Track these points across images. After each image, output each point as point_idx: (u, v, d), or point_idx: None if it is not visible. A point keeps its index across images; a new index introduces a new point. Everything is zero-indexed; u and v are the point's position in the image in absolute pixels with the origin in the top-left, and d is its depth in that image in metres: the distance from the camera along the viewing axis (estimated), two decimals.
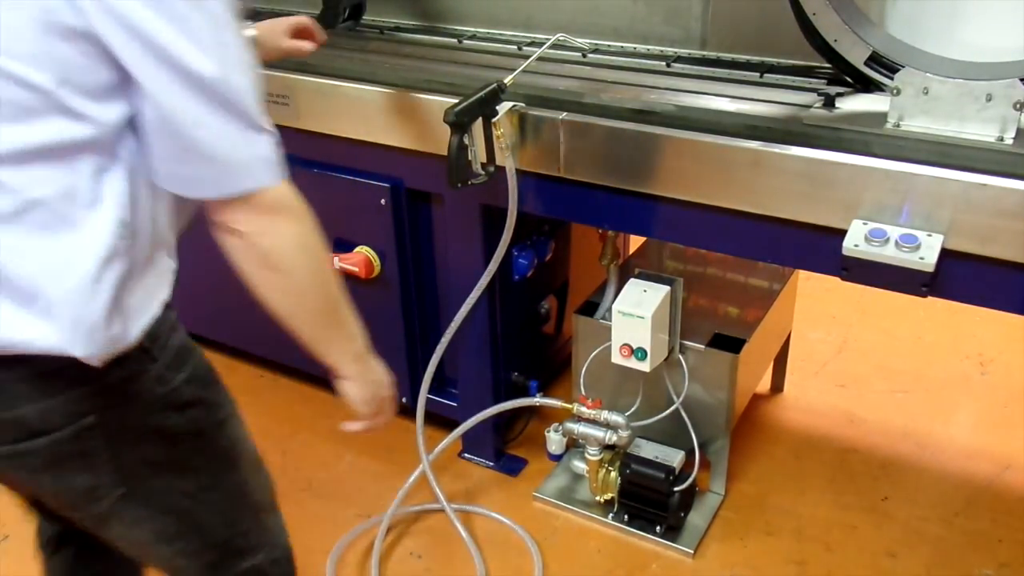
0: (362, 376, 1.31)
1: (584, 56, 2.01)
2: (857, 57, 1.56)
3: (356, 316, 1.25)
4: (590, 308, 2.16)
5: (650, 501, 2.06)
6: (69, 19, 0.95)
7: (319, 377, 2.55)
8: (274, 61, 1.74)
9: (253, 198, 1.04)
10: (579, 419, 2.06)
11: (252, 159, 1.04)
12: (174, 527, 1.28)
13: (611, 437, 2.02)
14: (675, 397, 2.05)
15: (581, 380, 2.15)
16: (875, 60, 1.55)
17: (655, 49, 2.03)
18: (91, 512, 1.24)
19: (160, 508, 1.25)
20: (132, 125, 1.03)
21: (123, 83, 1.00)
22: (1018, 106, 1.40)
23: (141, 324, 1.11)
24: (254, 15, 2.64)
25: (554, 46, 1.86)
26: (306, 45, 1.74)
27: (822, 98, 1.65)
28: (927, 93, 1.46)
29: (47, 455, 1.13)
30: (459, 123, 1.68)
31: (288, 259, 1.09)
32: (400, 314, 2.20)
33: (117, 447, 1.17)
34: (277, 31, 1.70)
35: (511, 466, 2.35)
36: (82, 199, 1.01)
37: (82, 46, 0.96)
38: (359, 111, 1.96)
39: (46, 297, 1.01)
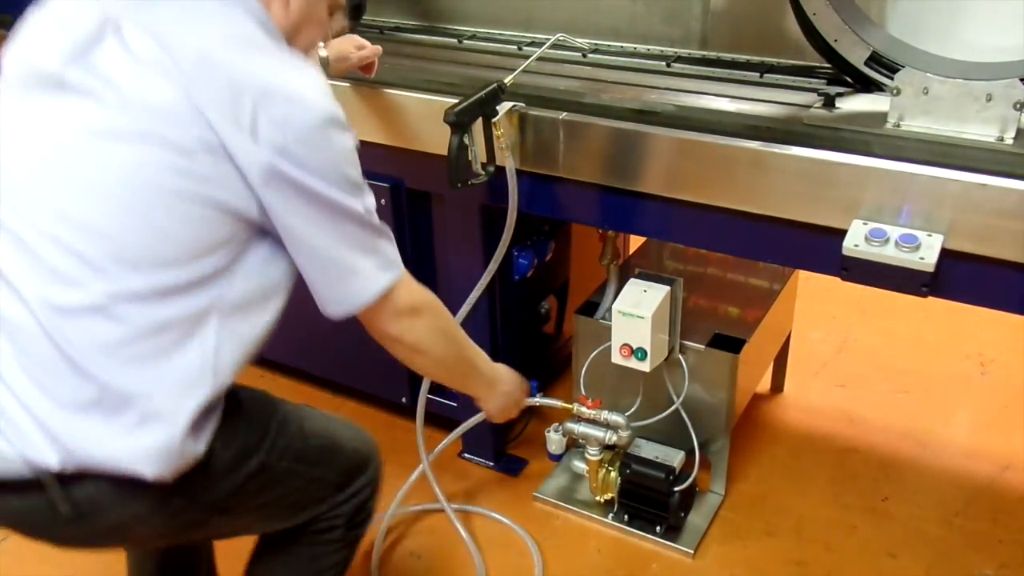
0: (492, 396, 1.65)
1: (584, 56, 2.01)
2: (857, 57, 1.56)
3: (481, 354, 1.57)
4: (590, 308, 2.16)
5: (650, 501, 2.06)
6: (233, 201, 1.15)
7: (319, 377, 2.55)
8: (345, 74, 1.88)
9: (391, 302, 1.30)
10: (579, 419, 2.05)
11: (385, 262, 1.28)
12: (285, 511, 1.42)
13: (611, 437, 2.02)
14: (675, 397, 2.05)
15: (581, 380, 2.15)
16: (875, 60, 1.55)
17: (655, 49, 2.03)
18: (195, 537, 1.43)
19: (269, 509, 1.40)
20: (227, 271, 1.19)
21: (231, 239, 1.18)
22: (1018, 106, 1.40)
23: (206, 438, 1.22)
24: None
25: (554, 46, 1.86)
26: (369, 51, 1.85)
27: (822, 98, 1.64)
28: (927, 93, 1.46)
29: (150, 537, 1.27)
30: (459, 123, 1.68)
31: (429, 345, 1.40)
32: None
33: (215, 505, 1.30)
34: (346, 48, 1.83)
35: (511, 466, 2.35)
36: (174, 334, 1.15)
37: (220, 213, 1.15)
38: (359, 111, 1.96)
39: (135, 415, 1.13)
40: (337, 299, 1.26)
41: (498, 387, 1.64)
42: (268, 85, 1.12)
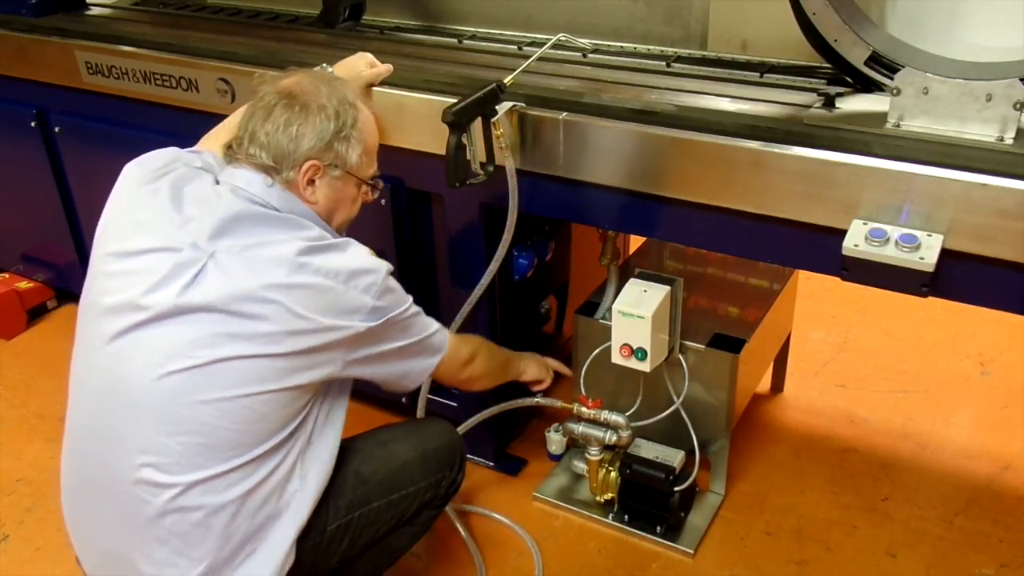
0: (523, 376, 2.01)
1: (584, 56, 2.01)
2: (857, 57, 1.56)
3: (512, 358, 1.95)
4: (590, 308, 2.16)
5: (650, 501, 2.06)
6: (319, 375, 1.41)
7: None
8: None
9: (455, 360, 1.67)
10: (579, 419, 2.06)
11: (439, 339, 1.60)
12: (386, 531, 1.63)
13: (611, 437, 2.02)
14: (675, 397, 2.05)
15: (581, 380, 2.15)
16: (875, 60, 1.55)
17: (655, 49, 2.03)
18: None
19: (374, 542, 1.62)
20: (306, 419, 1.44)
21: (312, 398, 1.44)
22: (1018, 106, 1.40)
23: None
24: (254, 15, 2.64)
25: (555, 46, 1.86)
26: (382, 69, 1.90)
27: (822, 98, 1.65)
28: (927, 93, 1.46)
29: None
30: (457, 123, 1.68)
31: (478, 379, 1.80)
32: None
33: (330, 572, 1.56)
34: (357, 67, 1.88)
35: (511, 466, 2.35)
36: (275, 480, 1.41)
37: (307, 389, 1.41)
38: None
39: (248, 549, 1.42)
40: (409, 383, 1.61)
41: (525, 372, 1.98)
42: (347, 270, 1.40)
